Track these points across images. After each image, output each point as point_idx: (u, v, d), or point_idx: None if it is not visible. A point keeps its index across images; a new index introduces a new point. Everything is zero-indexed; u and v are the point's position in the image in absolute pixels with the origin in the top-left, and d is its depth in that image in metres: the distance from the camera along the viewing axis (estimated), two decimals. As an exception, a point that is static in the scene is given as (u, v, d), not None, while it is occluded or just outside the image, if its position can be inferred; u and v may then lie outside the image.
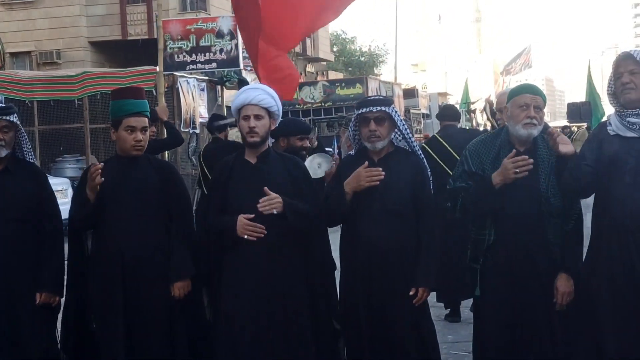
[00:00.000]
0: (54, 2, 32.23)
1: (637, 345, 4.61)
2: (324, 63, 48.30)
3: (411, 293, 5.10)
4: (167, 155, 8.33)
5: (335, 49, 54.69)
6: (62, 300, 5.31)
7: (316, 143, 7.61)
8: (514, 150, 4.90)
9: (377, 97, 5.41)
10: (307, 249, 5.18)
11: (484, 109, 23.68)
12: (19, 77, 18.65)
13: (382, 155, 5.30)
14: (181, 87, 18.90)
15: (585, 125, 19.32)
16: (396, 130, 5.32)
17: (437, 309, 8.10)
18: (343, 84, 30.80)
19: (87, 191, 5.05)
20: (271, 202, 4.96)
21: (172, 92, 18.12)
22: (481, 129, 40.79)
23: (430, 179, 5.41)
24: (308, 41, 43.42)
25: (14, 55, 31.44)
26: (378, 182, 5.12)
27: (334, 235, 5.42)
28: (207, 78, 20.80)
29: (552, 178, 4.92)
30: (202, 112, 19.93)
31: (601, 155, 4.74)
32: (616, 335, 4.65)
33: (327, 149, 23.74)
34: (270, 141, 5.42)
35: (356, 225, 5.21)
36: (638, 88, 4.68)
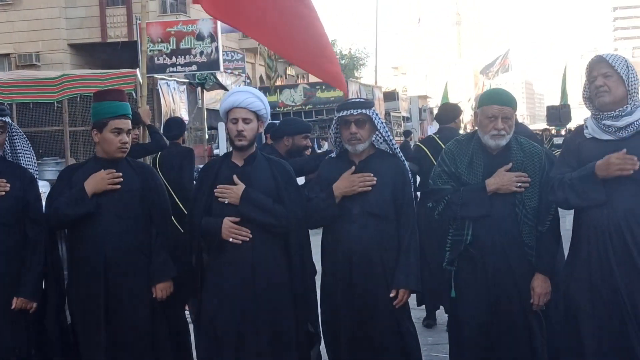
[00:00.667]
0: (33, 4, 32.10)
1: (617, 348, 4.64)
2: (305, 66, 48.23)
3: (392, 295, 5.12)
4: (148, 159, 8.26)
5: (315, 52, 54.57)
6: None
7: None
8: (511, 164, 4.99)
9: (357, 100, 5.43)
10: (289, 252, 5.19)
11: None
12: (-2, 79, 18.54)
13: (363, 157, 5.31)
14: (161, 89, 18.85)
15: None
16: (377, 132, 5.34)
17: (417, 312, 8.11)
18: (323, 87, 30.79)
19: (86, 189, 5.05)
20: (224, 192, 5.07)
21: (153, 95, 18.07)
22: (461, 131, 40.85)
23: (411, 181, 5.43)
24: (288, 44, 43.34)
25: (-8, 57, 31.30)
26: (370, 188, 5.14)
27: (315, 238, 5.43)
28: (187, 80, 20.76)
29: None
30: (183, 115, 19.89)
31: (579, 160, 4.78)
32: (596, 338, 4.68)
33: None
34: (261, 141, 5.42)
35: (337, 227, 5.23)
36: (612, 91, 4.72)
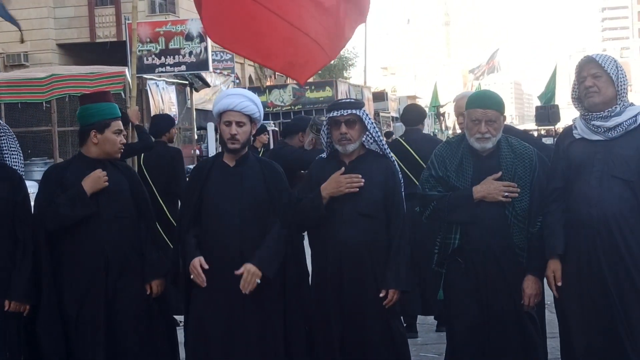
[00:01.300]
0: (21, 4, 31.98)
1: (605, 345, 4.66)
2: (294, 66, 48.22)
3: (381, 295, 5.12)
4: (136, 160, 8.25)
5: (305, 52, 54.61)
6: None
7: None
8: (500, 172, 4.98)
9: (348, 100, 5.42)
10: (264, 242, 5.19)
11: None
12: (-14, 79, 18.47)
13: (354, 157, 5.31)
14: (150, 89, 18.85)
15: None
16: (367, 133, 5.33)
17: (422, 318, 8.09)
18: (313, 87, 30.86)
19: (85, 190, 5.04)
20: (247, 280, 5.00)
21: (142, 95, 18.05)
22: (450, 132, 41.01)
23: (402, 181, 5.43)
24: (278, 44, 43.33)
25: (-20, 57, 31.19)
26: (357, 189, 5.15)
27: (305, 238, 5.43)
28: (176, 81, 20.76)
29: (516, 182, 4.97)
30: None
31: (568, 160, 4.80)
32: (584, 334, 4.70)
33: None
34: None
35: (327, 228, 5.22)
36: (601, 91, 4.73)
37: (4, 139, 5.35)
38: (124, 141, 5.30)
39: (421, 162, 7.38)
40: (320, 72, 56.20)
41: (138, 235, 5.23)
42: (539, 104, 29.51)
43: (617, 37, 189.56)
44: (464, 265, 5.04)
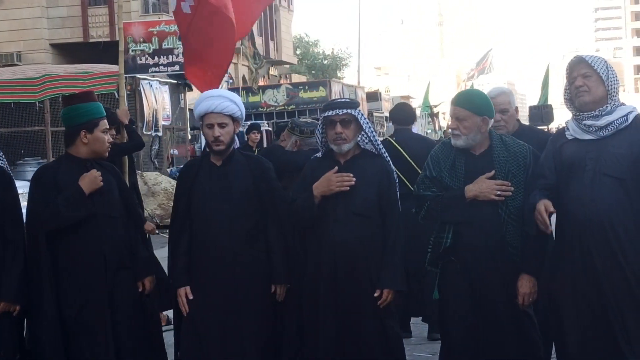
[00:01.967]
0: (14, 4, 31.93)
1: (600, 345, 4.66)
2: (287, 66, 48.33)
3: (376, 295, 5.12)
4: (127, 159, 8.25)
5: (298, 52, 54.76)
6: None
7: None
8: (494, 171, 4.98)
9: (343, 100, 5.44)
10: (270, 247, 5.27)
11: None
12: (-21, 79, 18.42)
13: (349, 157, 5.32)
14: (143, 89, 18.82)
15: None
16: (362, 132, 5.34)
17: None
18: (306, 87, 30.82)
19: (83, 190, 5.03)
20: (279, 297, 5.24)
21: (135, 95, 18.04)
22: (443, 132, 40.98)
23: (397, 181, 5.44)
24: (271, 44, 43.41)
25: (-27, 57, 31.09)
26: (348, 188, 5.15)
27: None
28: (169, 80, 20.73)
29: (509, 180, 4.97)
30: (165, 115, 19.86)
31: (561, 161, 4.81)
32: (578, 335, 4.71)
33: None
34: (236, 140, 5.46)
35: (321, 228, 5.23)
36: (591, 91, 4.76)
37: None
38: (111, 140, 5.33)
39: (412, 162, 7.36)
40: (313, 72, 56.16)
41: (129, 234, 5.26)
42: (532, 104, 29.56)
43: (611, 37, 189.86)
44: (458, 265, 5.05)
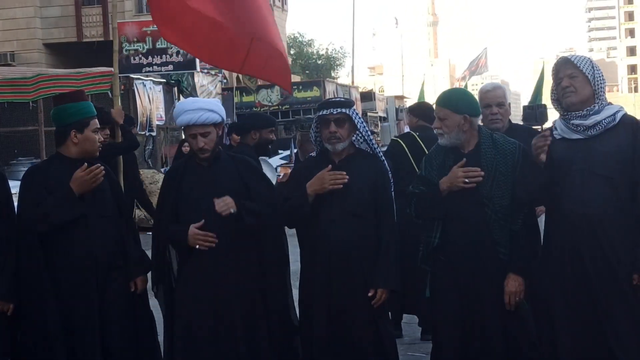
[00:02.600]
0: (7, 4, 31.88)
1: (590, 343, 4.67)
2: (282, 66, 48.19)
3: (370, 294, 5.12)
4: (121, 159, 8.24)
5: (292, 52, 54.77)
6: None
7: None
8: (464, 159, 4.96)
9: (338, 99, 5.45)
10: (260, 246, 5.28)
11: None
12: (-28, 79, 18.38)
13: (343, 156, 5.32)
14: (137, 89, 18.80)
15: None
16: (357, 132, 5.34)
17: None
18: (300, 87, 30.85)
19: (73, 191, 5.01)
20: (226, 203, 5.05)
21: (128, 95, 18.01)
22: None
23: (391, 181, 5.44)
24: (265, 44, 43.28)
25: (-33, 57, 31.04)
26: (342, 186, 5.15)
27: (293, 239, 5.44)
28: (163, 80, 20.71)
29: (497, 178, 4.97)
30: (159, 115, 19.84)
31: (550, 160, 4.83)
32: (570, 334, 4.71)
33: (281, 151, 23.57)
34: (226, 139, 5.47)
35: (316, 227, 5.23)
36: (578, 91, 4.79)
37: None
38: (102, 139, 5.32)
39: None
40: (307, 71, 56.15)
41: (121, 234, 5.24)
42: (525, 103, 29.58)
43: (604, 37, 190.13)
44: (448, 263, 5.04)
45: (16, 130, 18.35)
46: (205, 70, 24.49)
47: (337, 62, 59.32)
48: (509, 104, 6.14)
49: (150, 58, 19.81)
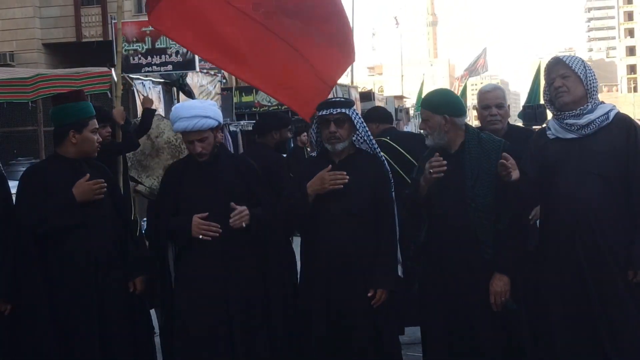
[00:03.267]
0: (6, 4, 31.84)
1: (587, 343, 4.68)
2: (281, 66, 48.21)
3: (369, 294, 5.12)
4: (121, 159, 8.22)
5: (291, 52, 54.63)
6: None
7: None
8: (437, 154, 4.98)
9: (337, 99, 5.46)
10: (261, 246, 5.30)
11: None
12: (-29, 79, 18.36)
13: (343, 157, 5.33)
14: (137, 89, 18.78)
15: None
16: (357, 132, 5.35)
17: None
18: (300, 87, 30.77)
19: (75, 198, 5.02)
20: (241, 215, 5.08)
21: (128, 95, 17.99)
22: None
23: (392, 180, 5.44)
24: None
25: (-34, 57, 31.03)
26: (342, 186, 5.15)
27: (295, 239, 5.45)
28: (163, 80, 20.68)
29: (481, 177, 4.96)
30: (157, 115, 19.79)
31: (544, 160, 4.84)
32: (565, 333, 4.72)
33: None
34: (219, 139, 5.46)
35: (316, 227, 5.24)
36: (570, 91, 4.84)
37: None
38: (101, 139, 5.33)
39: (410, 158, 7.31)
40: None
41: (119, 234, 5.26)
42: (524, 103, 29.55)
43: (603, 37, 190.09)
44: (434, 261, 5.05)
45: (15, 130, 18.33)
46: (205, 70, 24.47)
47: (337, 62, 59.22)
48: (509, 105, 6.15)
49: (149, 58, 19.78)
